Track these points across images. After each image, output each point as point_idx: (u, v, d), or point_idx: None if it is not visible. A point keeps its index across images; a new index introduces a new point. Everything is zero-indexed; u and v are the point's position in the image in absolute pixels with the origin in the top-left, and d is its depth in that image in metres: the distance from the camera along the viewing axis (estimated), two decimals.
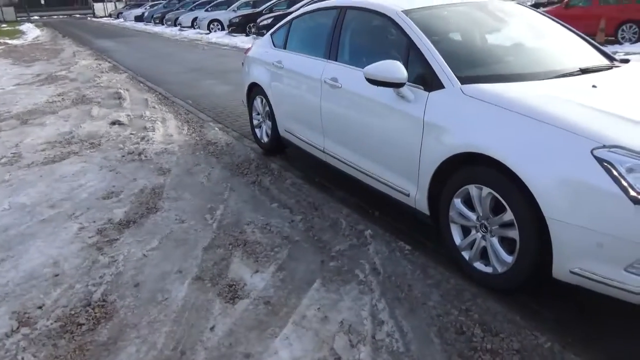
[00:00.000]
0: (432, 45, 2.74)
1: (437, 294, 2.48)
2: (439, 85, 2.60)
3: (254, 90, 4.67)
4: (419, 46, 2.77)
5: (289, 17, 4.30)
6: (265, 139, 4.67)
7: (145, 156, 4.75)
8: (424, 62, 2.70)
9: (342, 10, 3.54)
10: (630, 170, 1.85)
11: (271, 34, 4.53)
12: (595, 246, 1.94)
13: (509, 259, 2.30)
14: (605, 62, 2.95)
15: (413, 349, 2.12)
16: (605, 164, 1.89)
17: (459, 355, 2.08)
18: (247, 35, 18.33)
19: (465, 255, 2.57)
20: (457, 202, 2.53)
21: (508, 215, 2.25)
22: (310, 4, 4.22)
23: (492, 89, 2.45)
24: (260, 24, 16.11)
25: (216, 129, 5.70)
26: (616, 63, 2.92)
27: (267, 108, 4.46)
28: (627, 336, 2.21)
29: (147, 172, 4.36)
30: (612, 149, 1.91)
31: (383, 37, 3.17)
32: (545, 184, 2.04)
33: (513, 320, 2.26)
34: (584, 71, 2.69)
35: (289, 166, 4.41)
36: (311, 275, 2.69)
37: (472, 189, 2.41)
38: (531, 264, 2.21)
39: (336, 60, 3.43)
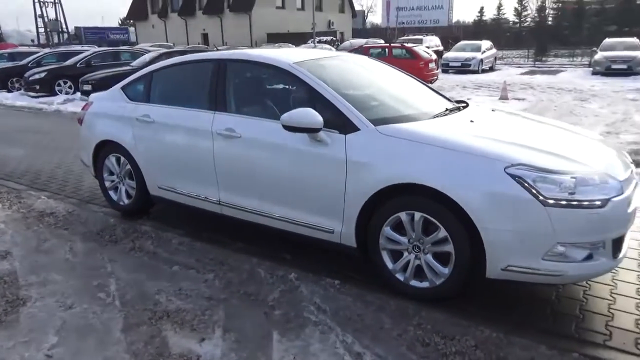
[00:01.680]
0: (336, 93, 3.01)
1: (386, 317, 2.66)
2: (354, 128, 2.87)
3: (105, 148, 4.18)
4: (323, 94, 3.01)
5: (145, 70, 4.04)
6: (126, 201, 4.19)
7: None
8: (332, 108, 2.94)
9: (220, 62, 3.54)
10: (535, 180, 2.41)
11: (122, 88, 4.16)
12: (519, 244, 2.43)
13: (445, 270, 2.66)
14: (450, 104, 3.67)
15: None
16: (517, 178, 2.42)
17: None
18: (9, 91, 15.76)
19: (400, 277, 2.84)
20: (387, 230, 2.79)
21: (442, 233, 2.61)
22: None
23: (404, 128, 2.84)
24: (30, 78, 14.10)
25: (43, 197, 4.82)
26: (462, 104, 3.67)
27: (128, 166, 4.04)
28: (534, 309, 2.77)
29: None
30: (518, 167, 2.45)
31: (279, 87, 3.31)
32: (474, 201, 2.47)
33: (458, 323, 2.60)
34: (450, 111, 3.32)
35: (164, 226, 4.05)
36: (263, 329, 2.57)
37: (403, 216, 2.71)
38: (466, 270, 2.60)
39: (226, 111, 3.40)
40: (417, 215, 2.66)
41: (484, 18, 53.89)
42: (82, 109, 4.50)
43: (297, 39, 36.39)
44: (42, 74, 14.02)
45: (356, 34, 51.88)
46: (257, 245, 3.65)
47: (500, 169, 2.46)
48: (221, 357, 2.35)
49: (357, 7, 52.49)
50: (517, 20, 52.87)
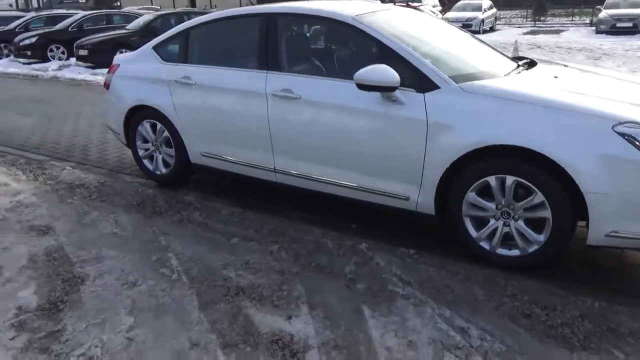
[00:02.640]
0: (410, 48, 2.76)
1: (477, 288, 2.51)
2: (433, 86, 2.63)
3: (138, 114, 3.89)
4: (396, 49, 2.75)
5: (180, 27, 3.71)
6: (164, 170, 3.95)
7: None
8: (406, 65, 2.70)
9: (269, 17, 3.24)
10: None
11: (154, 47, 3.84)
12: (627, 208, 2.26)
13: (540, 237, 2.50)
14: (515, 61, 3.44)
15: (511, 343, 2.11)
16: (627, 137, 2.23)
17: (547, 336, 2.16)
18: None
19: (485, 245, 2.68)
20: (472, 195, 2.61)
21: (538, 198, 2.43)
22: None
23: (489, 85, 2.62)
24: (21, 44, 13.41)
25: (68, 167, 4.54)
26: (526, 60, 3.43)
27: (165, 133, 3.78)
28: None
29: (15, 235, 3.21)
30: (627, 124, 2.26)
31: (340, 43, 3.05)
32: (578, 162, 2.28)
33: (555, 292, 2.46)
34: (523, 67, 3.10)
35: (209, 195, 3.83)
36: (350, 304, 2.41)
37: (492, 180, 2.52)
38: (564, 237, 2.45)
39: (280, 70, 3.13)
40: (510, 179, 2.48)
41: None
42: (108, 71, 4.18)
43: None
44: (33, 39, 13.32)
45: None
46: (315, 214, 3.46)
47: (607, 128, 2.27)
48: (315, 336, 2.19)
49: None
50: None
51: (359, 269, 2.72)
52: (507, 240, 2.63)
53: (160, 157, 3.94)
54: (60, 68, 12.07)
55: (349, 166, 2.94)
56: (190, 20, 3.73)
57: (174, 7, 39.54)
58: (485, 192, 2.59)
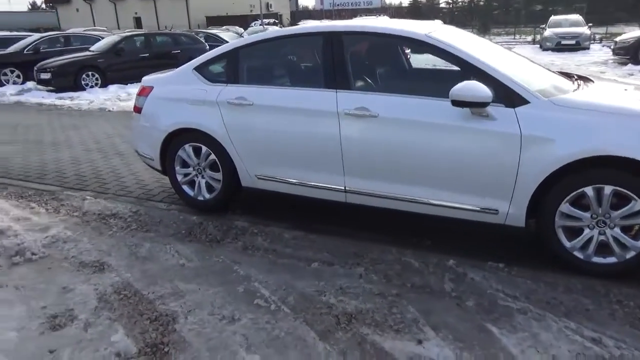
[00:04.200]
0: (494, 65, 2.80)
1: (583, 298, 2.54)
2: (522, 101, 2.68)
3: (177, 138, 3.69)
4: (480, 66, 2.79)
5: (225, 48, 3.58)
6: (207, 195, 3.75)
7: (34, 253, 3.17)
8: (492, 81, 2.73)
9: (332, 36, 3.18)
10: None
11: (195, 69, 3.67)
12: None
13: (639, 244, 2.57)
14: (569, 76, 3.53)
15: None
16: None
17: None
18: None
19: (579, 254, 2.72)
20: (566, 206, 2.66)
21: (635, 206, 2.50)
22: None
23: (576, 99, 2.70)
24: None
25: (89, 198, 4.22)
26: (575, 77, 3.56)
27: (212, 156, 3.60)
28: None
29: (69, 274, 2.93)
30: None
31: (414, 60, 3.04)
32: None
33: None
34: (585, 83, 3.21)
35: (260, 219, 3.66)
36: (471, 323, 2.36)
37: (589, 191, 2.58)
38: None
39: (351, 89, 3.08)
40: (608, 188, 2.54)
41: None
42: (138, 94, 3.94)
43: (238, 21, 35.24)
44: None
45: (295, 16, 51.22)
46: (382, 233, 3.39)
47: None
48: (457, 359, 2.12)
49: None
50: (450, 1, 54.40)
51: (459, 286, 2.69)
52: (601, 248, 2.69)
53: (203, 181, 3.75)
54: (20, 92, 11.35)
55: (432, 182, 2.92)
56: (237, 40, 3.62)
57: (119, 28, 38.49)
58: (578, 202, 2.65)
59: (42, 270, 2.99)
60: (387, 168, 3.01)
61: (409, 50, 3.54)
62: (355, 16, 42.62)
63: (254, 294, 2.66)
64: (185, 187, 3.84)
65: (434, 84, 2.70)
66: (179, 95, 3.65)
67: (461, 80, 2.70)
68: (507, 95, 2.70)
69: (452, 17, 47.20)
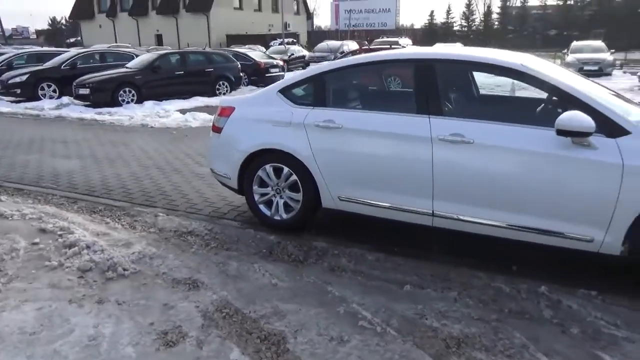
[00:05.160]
0: (591, 95, 2.87)
1: None
2: (623, 132, 2.74)
3: (259, 158, 3.78)
4: (579, 97, 2.85)
5: (311, 72, 3.68)
6: (285, 215, 3.82)
7: (125, 269, 3.24)
8: (592, 111, 2.78)
9: (424, 63, 3.27)
10: None
11: (280, 91, 3.78)
12: None
13: None
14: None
15: None
16: None
17: None
18: None
19: None
20: None
21: None
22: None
23: None
24: (10, 82, 12.78)
25: (161, 215, 4.30)
26: None
27: (293, 177, 3.68)
28: None
29: (164, 291, 2.99)
30: None
31: (507, 89, 3.12)
32: None
33: None
34: None
35: (338, 240, 3.71)
36: (582, 350, 2.38)
37: None
38: None
39: (444, 115, 3.16)
40: None
41: (434, 21, 55.62)
42: (219, 114, 4.05)
43: (258, 40, 35.84)
44: (24, 77, 12.76)
45: (311, 36, 52.03)
46: (465, 256, 3.41)
47: None
48: None
49: None
50: (465, 24, 55.00)
51: (557, 313, 2.71)
52: None
53: (281, 201, 3.82)
54: (59, 107, 11.60)
55: (527, 209, 2.97)
56: (322, 65, 3.72)
57: (140, 44, 39.29)
58: None
59: (138, 286, 3.06)
60: (480, 194, 3.06)
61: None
62: (368, 36, 43.45)
63: (356, 315, 2.71)
64: (261, 207, 3.91)
65: (529, 113, 2.77)
66: (263, 117, 3.76)
67: (554, 110, 2.77)
68: (608, 126, 2.76)
69: (467, 40, 47.66)
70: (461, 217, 3.16)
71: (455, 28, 55.13)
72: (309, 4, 52.76)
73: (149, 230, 3.97)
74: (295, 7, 49.37)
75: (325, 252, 3.52)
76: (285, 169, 3.70)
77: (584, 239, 2.87)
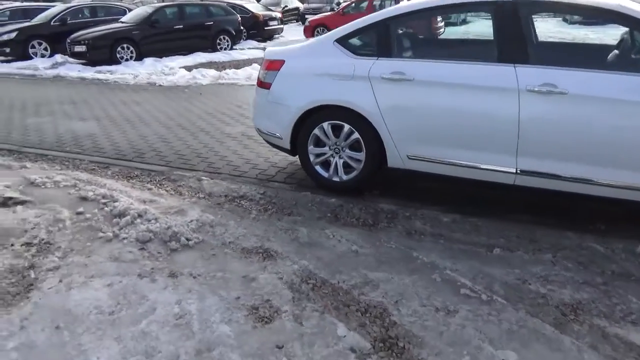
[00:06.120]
0: None
1: None
2: None
3: (315, 115, 3.50)
4: None
5: (374, 18, 3.34)
6: (344, 177, 3.59)
7: (188, 238, 3.01)
8: None
9: (504, 5, 2.97)
10: None
11: (337, 40, 3.45)
12: None
13: None
14: None
15: None
16: None
17: None
18: None
19: None
20: None
21: None
22: None
23: None
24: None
25: (205, 179, 4.04)
26: None
27: (355, 135, 3.42)
28: None
29: (241, 261, 2.78)
30: None
31: (605, 34, 2.83)
32: None
33: None
34: None
35: (406, 201, 3.51)
36: None
37: None
38: None
39: (533, 63, 2.88)
40: None
41: None
42: (266, 68, 3.72)
43: None
44: (13, 34, 12.02)
45: None
46: (546, 216, 3.25)
47: None
48: None
49: None
50: None
51: None
52: None
53: (340, 162, 3.58)
54: (55, 66, 11.01)
55: (621, 163, 2.76)
56: (387, 10, 3.38)
57: None
58: None
59: (207, 257, 2.85)
60: (573, 149, 2.84)
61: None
62: None
63: (454, 282, 2.54)
64: (318, 168, 3.67)
65: (631, 60, 2.52)
66: (319, 70, 3.44)
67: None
68: None
69: None
70: (549, 174, 2.95)
71: None
72: None
73: (198, 195, 3.73)
74: None
75: (395, 215, 3.32)
76: (346, 127, 3.43)
77: None
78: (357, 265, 2.72)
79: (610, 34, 5.15)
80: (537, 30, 3.04)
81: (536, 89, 2.83)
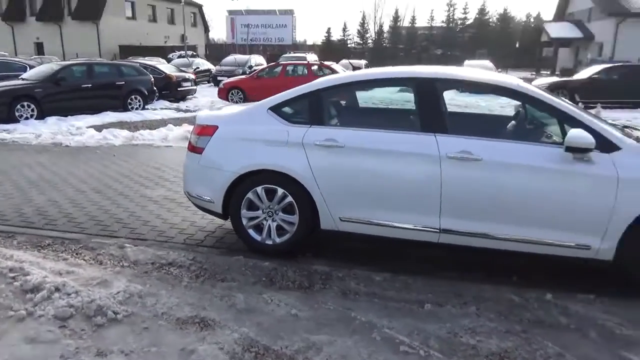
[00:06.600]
0: (588, 115, 3.12)
1: None
2: (615, 147, 3.01)
3: (249, 180, 3.56)
4: (576, 117, 3.09)
5: (305, 89, 3.54)
6: (278, 239, 3.62)
7: (116, 312, 2.82)
8: (589, 129, 3.02)
9: (424, 82, 3.34)
10: None
11: (271, 109, 3.59)
12: None
13: None
14: None
15: None
16: None
17: None
18: None
19: None
20: None
21: None
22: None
23: None
24: None
25: (128, 246, 3.83)
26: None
27: (289, 198, 3.51)
28: None
29: (176, 333, 2.67)
30: None
31: (509, 108, 3.27)
32: None
33: None
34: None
35: (338, 262, 3.60)
36: (614, 352, 2.55)
37: None
38: None
39: (449, 133, 3.22)
40: None
41: (332, 38, 57.54)
42: (198, 133, 3.74)
43: (154, 52, 34.17)
44: None
45: (209, 49, 50.95)
46: (467, 271, 3.51)
47: None
48: None
49: None
50: (360, 41, 57.68)
51: (571, 319, 2.88)
52: None
53: (273, 225, 3.62)
54: None
55: (531, 222, 3.13)
56: (319, 81, 3.60)
57: (16, 54, 35.41)
58: None
59: (139, 331, 2.69)
60: (487, 209, 3.17)
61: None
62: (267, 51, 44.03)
63: (393, 340, 2.63)
64: (251, 231, 3.68)
65: (530, 131, 2.95)
66: (254, 136, 3.54)
67: (545, 128, 2.98)
68: (602, 142, 3.01)
69: (362, 57, 50.00)
70: (468, 232, 3.24)
71: (351, 45, 57.49)
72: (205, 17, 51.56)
73: (122, 264, 3.53)
74: (193, 19, 48.03)
75: (329, 276, 3.39)
76: (280, 191, 3.52)
77: (582, 247, 3.10)
78: (298, 329, 2.73)
79: (497, 103, 5.98)
80: (461, 104, 3.45)
81: (454, 156, 3.16)
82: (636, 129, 3.64)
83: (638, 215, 2.95)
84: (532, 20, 55.07)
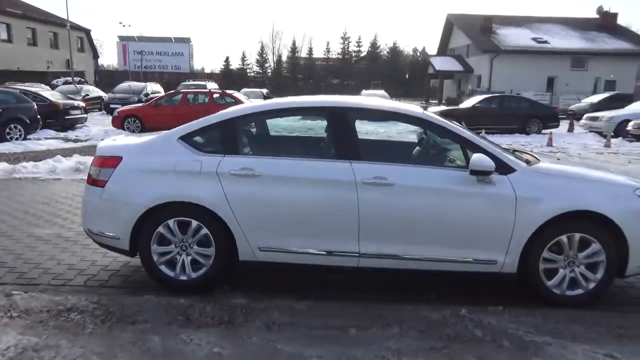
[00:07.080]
0: (485, 141, 3.39)
1: (595, 326, 3.09)
2: (511, 170, 3.30)
3: (158, 213, 3.33)
4: (474, 141, 3.34)
5: (219, 118, 3.42)
6: (193, 274, 3.41)
7: None
8: (487, 153, 3.27)
9: (335, 111, 3.41)
10: None
11: (181, 138, 3.41)
12: None
13: (597, 276, 3.32)
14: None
15: None
16: None
17: None
18: None
19: (556, 290, 3.36)
20: (546, 252, 3.31)
21: (595, 247, 3.27)
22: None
23: (550, 167, 3.44)
24: None
25: (17, 293, 3.35)
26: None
27: (204, 230, 3.34)
28: None
29: None
30: (638, 190, 3.36)
31: (414, 135, 3.44)
32: (624, 218, 3.24)
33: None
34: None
35: (256, 294, 3.46)
36: (526, 359, 2.73)
37: (564, 238, 3.27)
38: (614, 273, 3.34)
39: (362, 160, 3.30)
40: (577, 235, 3.27)
41: (230, 67, 57.32)
42: (99, 165, 3.43)
43: (35, 77, 31.45)
44: None
45: (98, 75, 48.15)
46: (387, 292, 3.58)
47: (631, 192, 3.32)
48: None
49: None
50: (260, 71, 58.14)
51: (485, 331, 3.04)
52: (573, 282, 3.37)
53: (188, 259, 3.41)
54: None
55: (442, 241, 3.29)
56: (233, 110, 3.50)
57: None
58: (556, 248, 3.31)
59: None
60: (402, 231, 3.28)
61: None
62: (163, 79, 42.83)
63: None
64: (162, 268, 3.43)
65: (435, 155, 3.14)
66: (163, 167, 3.33)
67: (449, 153, 3.21)
68: (500, 165, 3.28)
69: (263, 86, 50.52)
70: (386, 255, 3.32)
71: (250, 74, 57.73)
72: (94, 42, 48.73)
73: (10, 315, 3.08)
74: (79, 44, 45.13)
75: (250, 309, 3.25)
76: (194, 223, 3.34)
77: (489, 262, 3.32)
78: None
79: (395, 129, 6.36)
80: (374, 131, 3.57)
81: (369, 181, 3.25)
82: (525, 153, 4.05)
83: (534, 230, 3.24)
84: (418, 54, 59.83)
